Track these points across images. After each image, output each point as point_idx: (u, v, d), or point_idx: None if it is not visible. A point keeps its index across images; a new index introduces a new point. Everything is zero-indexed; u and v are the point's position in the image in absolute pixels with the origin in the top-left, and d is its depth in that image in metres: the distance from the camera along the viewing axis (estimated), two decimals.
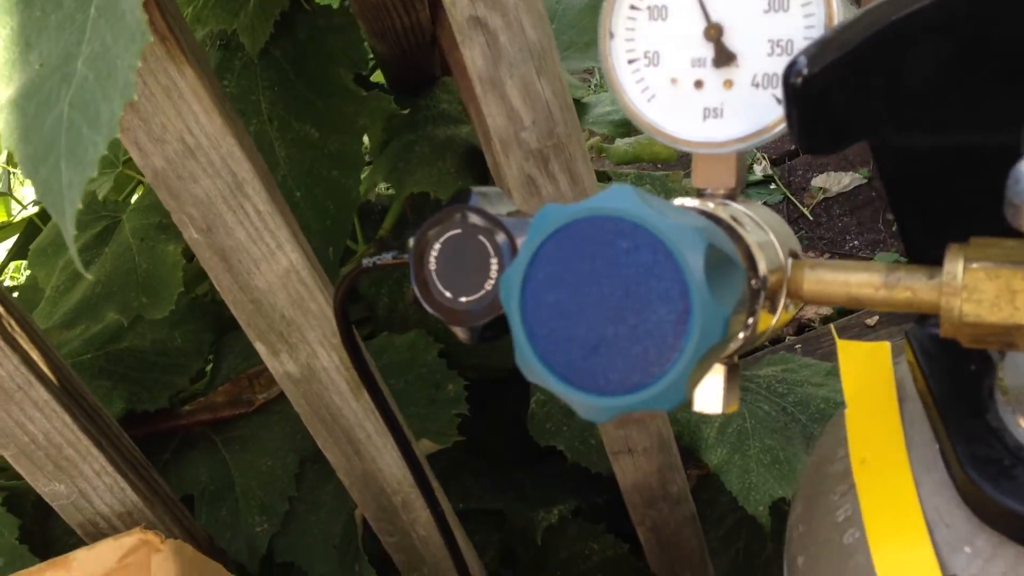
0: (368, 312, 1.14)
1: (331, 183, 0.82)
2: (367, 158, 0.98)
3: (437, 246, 0.42)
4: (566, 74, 0.64)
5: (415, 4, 0.67)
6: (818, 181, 2.36)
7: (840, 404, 1.18)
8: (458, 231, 0.41)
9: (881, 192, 1.86)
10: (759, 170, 2.53)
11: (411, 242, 0.43)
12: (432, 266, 0.42)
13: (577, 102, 1.22)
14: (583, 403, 0.32)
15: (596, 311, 0.32)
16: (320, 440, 0.80)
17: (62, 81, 0.41)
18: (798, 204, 2.33)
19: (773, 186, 2.41)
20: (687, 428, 1.00)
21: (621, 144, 1.38)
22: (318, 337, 0.73)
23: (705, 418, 1.02)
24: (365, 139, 0.97)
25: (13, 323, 0.68)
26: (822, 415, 1.09)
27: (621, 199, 0.31)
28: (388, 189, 1.59)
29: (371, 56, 0.87)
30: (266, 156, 0.82)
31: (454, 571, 0.95)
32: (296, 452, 0.95)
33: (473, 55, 0.62)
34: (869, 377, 0.49)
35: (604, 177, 1.22)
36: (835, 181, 2.32)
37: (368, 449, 0.81)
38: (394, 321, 1.10)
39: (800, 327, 1.93)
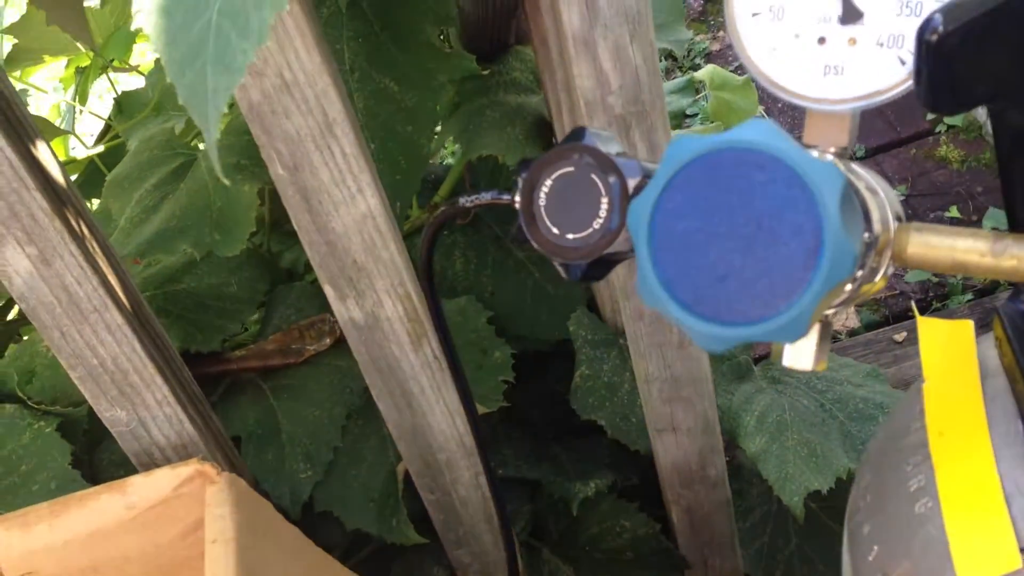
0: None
1: (405, 138, 0.83)
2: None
3: (549, 182, 0.43)
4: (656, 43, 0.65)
5: None
6: None
7: (879, 405, 1.18)
8: (571, 168, 0.42)
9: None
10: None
11: (520, 177, 0.44)
12: (542, 201, 0.43)
13: None
14: (705, 332, 0.33)
15: (726, 242, 0.32)
16: (375, 390, 0.81)
17: None
18: None
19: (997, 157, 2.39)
20: (728, 414, 1.01)
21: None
22: (386, 286, 0.74)
23: (746, 406, 1.02)
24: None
25: (96, 245, 0.69)
26: (860, 415, 1.09)
27: (763, 132, 0.32)
28: (443, 160, 1.59)
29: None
30: None
31: (489, 534, 0.96)
32: (343, 405, 0.96)
33: (571, 14, 0.62)
34: (950, 353, 0.49)
35: None
36: None
37: (420, 403, 0.82)
38: (443, 289, 1.11)
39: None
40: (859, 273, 0.38)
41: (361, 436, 0.97)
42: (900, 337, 1.79)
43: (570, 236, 0.42)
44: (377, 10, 0.79)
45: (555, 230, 0.43)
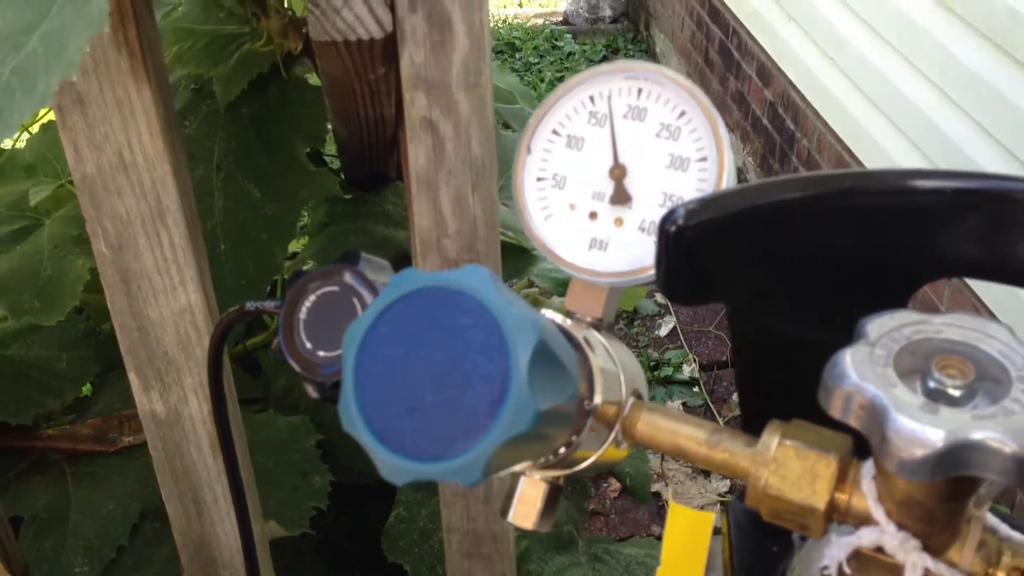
0: (264, 392, 1.13)
1: (258, 244, 0.83)
2: (303, 233, 1.00)
3: (312, 298, 0.43)
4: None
5: (382, 97, 0.71)
6: None
7: None
8: (335, 288, 0.43)
9: None
10: (687, 371, 2.58)
11: (289, 288, 0.44)
12: (302, 315, 0.43)
13: (524, 250, 1.26)
14: (387, 462, 0.33)
15: (422, 376, 0.33)
16: (165, 490, 0.78)
17: (12, 47, 0.43)
18: (716, 413, 2.37)
19: (696, 389, 2.46)
20: None
21: (557, 301, 1.42)
22: (194, 384, 0.73)
23: None
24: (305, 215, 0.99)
25: None
26: None
27: (474, 278, 0.33)
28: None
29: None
30: (204, 203, 0.84)
31: None
32: (141, 503, 0.92)
33: (417, 153, 0.65)
34: (688, 543, 0.50)
35: None
36: None
37: (211, 512, 0.79)
38: (286, 404, 1.10)
39: None
40: (574, 438, 0.39)
41: (154, 540, 0.93)
42: None
43: (321, 353, 0.43)
44: (254, 117, 0.81)
45: (308, 345, 0.43)
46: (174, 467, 0.77)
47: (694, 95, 0.42)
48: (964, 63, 1.92)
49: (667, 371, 2.55)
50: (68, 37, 0.39)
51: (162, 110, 0.62)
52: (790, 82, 2.77)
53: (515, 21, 4.50)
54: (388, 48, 0.61)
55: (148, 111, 0.61)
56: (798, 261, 0.39)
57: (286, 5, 0.75)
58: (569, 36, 4.33)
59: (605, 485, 2.23)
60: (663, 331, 2.70)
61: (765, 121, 3.00)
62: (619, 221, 0.43)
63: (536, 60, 4.19)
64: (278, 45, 0.76)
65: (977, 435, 0.32)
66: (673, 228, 0.38)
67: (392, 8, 0.59)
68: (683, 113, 0.42)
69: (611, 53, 4.25)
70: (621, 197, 0.43)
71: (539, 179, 0.45)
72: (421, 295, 0.34)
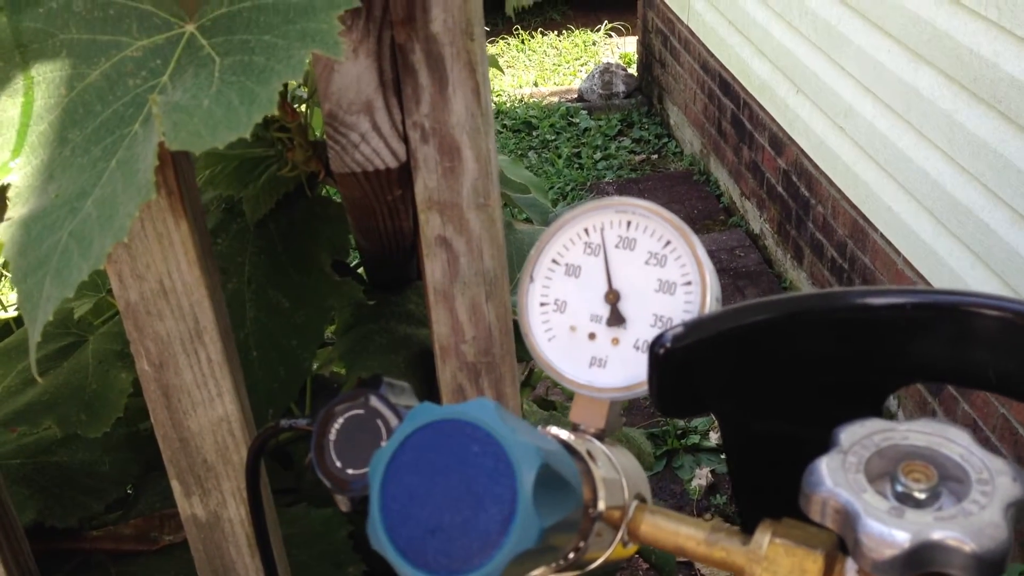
0: (296, 482, 1.17)
1: (288, 351, 0.88)
2: (331, 337, 1.05)
3: (341, 420, 0.48)
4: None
5: (399, 212, 0.76)
6: None
7: None
8: (361, 411, 0.47)
9: None
10: (714, 438, 2.60)
11: (320, 411, 0.49)
12: (332, 436, 0.48)
13: None
14: None
15: (441, 499, 0.37)
16: None
17: (70, 212, 0.48)
18: None
19: (723, 456, 2.47)
20: None
21: None
22: (232, 488, 0.77)
23: None
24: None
25: None
26: None
27: (482, 411, 0.37)
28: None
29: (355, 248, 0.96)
30: (236, 313, 0.89)
31: None
32: None
33: (433, 267, 0.70)
34: None
35: (549, 405, 1.28)
36: None
37: None
38: (318, 495, 1.13)
39: None
40: (582, 543, 0.42)
41: None
42: None
43: (350, 471, 0.47)
44: (281, 233, 0.87)
45: (338, 463, 0.47)
46: (215, 567, 0.81)
47: (676, 226, 0.46)
48: (972, 131, 1.97)
49: (694, 439, 2.56)
50: (119, 203, 0.45)
51: (198, 240, 0.67)
52: (802, 151, 2.83)
53: (531, 100, 4.62)
54: (403, 173, 0.67)
55: (185, 242, 0.67)
56: (777, 373, 0.43)
57: (309, 138, 0.81)
58: (584, 112, 4.43)
59: (636, 557, 2.23)
60: None
61: (780, 189, 3.05)
62: (616, 341, 0.48)
63: (553, 137, 4.28)
64: (302, 171, 0.81)
65: (938, 535, 0.36)
66: (662, 351, 0.43)
67: (405, 140, 0.65)
68: (668, 242, 0.47)
69: (626, 127, 4.34)
70: (616, 319, 0.47)
71: (542, 304, 0.49)
72: (436, 427, 0.38)
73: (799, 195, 2.90)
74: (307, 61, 0.50)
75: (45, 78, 0.54)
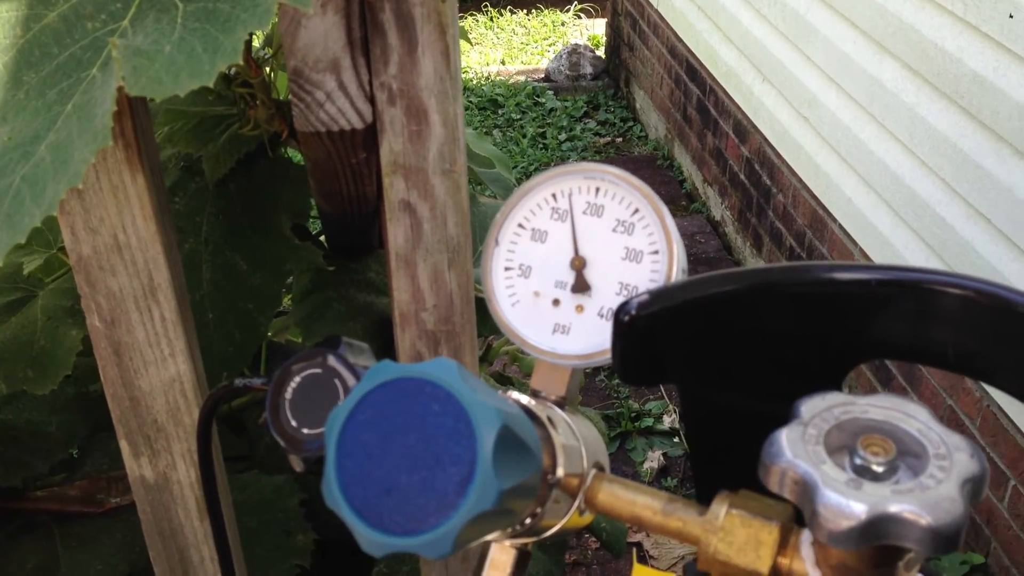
0: (248, 450, 1.16)
1: (244, 314, 0.86)
2: (288, 307, 1.03)
3: (297, 379, 0.47)
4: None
5: (363, 176, 0.75)
6: None
7: None
8: (318, 371, 0.46)
9: None
10: (668, 421, 2.61)
11: (276, 370, 0.48)
12: (288, 395, 0.47)
13: None
14: (366, 536, 0.36)
15: (397, 458, 0.36)
16: (153, 552, 0.81)
17: (23, 156, 0.47)
18: None
19: (676, 440, 2.49)
20: None
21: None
22: (182, 450, 0.76)
23: None
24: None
25: None
26: None
27: (443, 370, 0.37)
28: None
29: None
30: (193, 274, 0.87)
31: None
32: (128, 564, 0.94)
33: (396, 233, 0.69)
34: None
35: (506, 381, 1.28)
36: None
37: (198, 573, 0.82)
38: (271, 462, 1.12)
39: None
40: (539, 509, 0.42)
41: None
42: None
43: (305, 431, 0.46)
44: (241, 193, 0.85)
45: (293, 422, 0.46)
46: (162, 530, 0.79)
47: (645, 194, 0.46)
48: (932, 125, 1.99)
49: (648, 422, 2.58)
50: (73, 148, 0.43)
51: (154, 195, 0.66)
52: (765, 139, 2.84)
53: (497, 78, 4.60)
54: (368, 136, 0.66)
55: (141, 196, 0.65)
56: (739, 345, 0.43)
57: (272, 96, 0.79)
58: (551, 93, 4.42)
59: (586, 536, 2.25)
60: None
61: (742, 176, 3.07)
62: (580, 308, 0.47)
63: (518, 116, 4.27)
64: (264, 130, 0.80)
65: (895, 508, 0.36)
66: (626, 318, 0.42)
67: (372, 101, 0.63)
68: (637, 210, 0.46)
69: (592, 109, 4.34)
70: (581, 286, 0.47)
71: (506, 268, 0.49)
72: (396, 385, 0.37)
73: (761, 183, 2.92)
74: (274, 11, 0.49)
75: (0, 18, 0.52)
